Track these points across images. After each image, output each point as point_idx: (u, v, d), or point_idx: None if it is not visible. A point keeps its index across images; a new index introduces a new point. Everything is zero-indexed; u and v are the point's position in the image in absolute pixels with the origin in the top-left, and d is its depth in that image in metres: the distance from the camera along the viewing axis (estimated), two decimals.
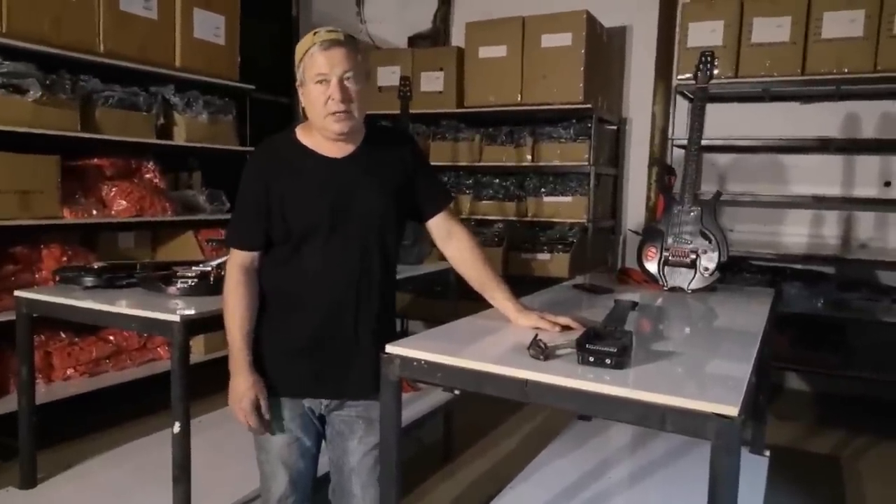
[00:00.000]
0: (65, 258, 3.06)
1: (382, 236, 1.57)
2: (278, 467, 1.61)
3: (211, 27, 3.73)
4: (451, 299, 2.96)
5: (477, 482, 2.78)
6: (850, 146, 3.80)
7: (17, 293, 2.15)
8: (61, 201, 2.99)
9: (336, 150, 1.55)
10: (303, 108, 1.54)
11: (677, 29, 3.95)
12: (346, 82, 1.46)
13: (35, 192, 2.86)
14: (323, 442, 1.67)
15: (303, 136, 1.57)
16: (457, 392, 2.84)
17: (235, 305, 1.52)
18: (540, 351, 1.30)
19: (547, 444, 2.51)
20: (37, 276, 3.00)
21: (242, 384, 1.52)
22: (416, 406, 2.72)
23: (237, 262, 1.54)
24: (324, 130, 1.51)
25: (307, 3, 5.12)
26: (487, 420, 3.39)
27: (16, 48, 2.83)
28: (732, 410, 1.04)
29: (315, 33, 1.48)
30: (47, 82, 2.93)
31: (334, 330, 1.54)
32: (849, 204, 3.85)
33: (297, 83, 1.52)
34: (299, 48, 1.49)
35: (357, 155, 1.56)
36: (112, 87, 3.28)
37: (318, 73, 1.45)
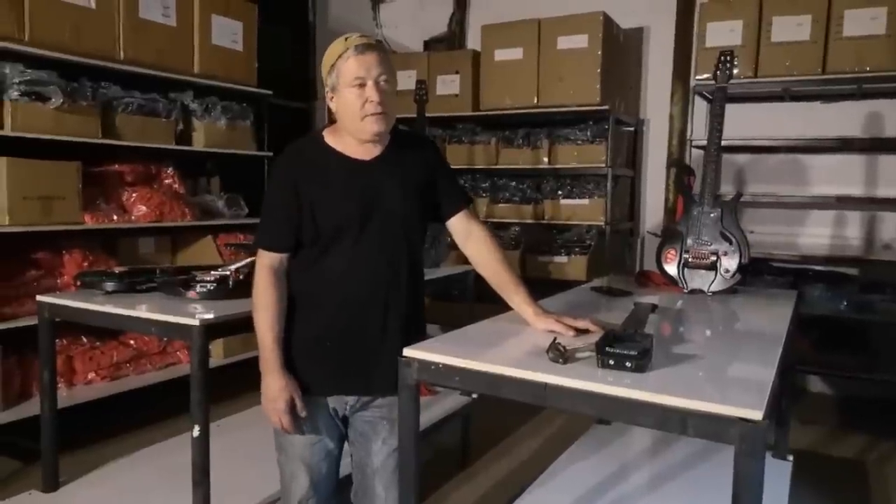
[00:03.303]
0: (86, 263, 3.09)
1: (409, 236, 1.59)
2: (299, 469, 1.61)
3: (229, 33, 3.76)
4: (468, 302, 2.95)
5: (495, 486, 2.76)
6: (872, 145, 3.74)
7: (39, 298, 2.18)
8: (82, 207, 3.03)
9: (364, 152, 1.57)
10: (328, 112, 1.55)
11: (695, 29, 3.92)
12: (382, 84, 1.49)
13: (57, 199, 2.90)
14: (345, 443, 1.68)
15: (330, 139, 1.58)
16: (474, 395, 2.83)
17: (266, 307, 1.53)
18: (559, 354, 1.29)
19: (565, 449, 2.50)
20: (59, 281, 3.04)
21: (276, 385, 1.53)
22: (433, 410, 2.72)
23: (266, 264, 1.55)
24: (359, 133, 1.53)
25: (323, 9, 5.15)
26: (505, 424, 3.37)
27: (38, 56, 2.87)
28: (756, 414, 1.02)
29: (346, 38, 1.50)
30: (68, 90, 2.97)
31: (362, 330, 1.55)
32: (872, 204, 3.79)
33: (328, 88, 1.53)
34: (331, 54, 1.51)
35: (384, 157, 1.58)
36: (132, 93, 3.31)
37: (356, 77, 1.47)
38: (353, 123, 1.51)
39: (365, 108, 1.48)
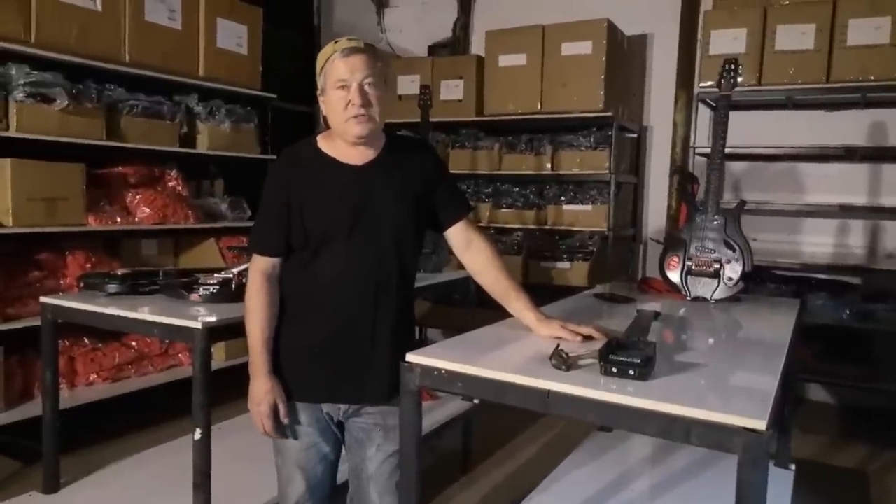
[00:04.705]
0: (89, 265, 3.10)
1: (400, 243, 1.58)
2: (295, 472, 1.62)
3: (234, 37, 3.77)
4: (469, 308, 2.95)
5: (496, 491, 2.76)
6: (876, 154, 3.73)
7: (42, 299, 2.19)
8: (86, 209, 3.04)
9: (357, 157, 1.56)
10: (324, 117, 1.56)
11: (699, 37, 3.92)
12: (365, 87, 1.48)
13: (61, 200, 2.90)
14: (343, 449, 1.68)
15: (324, 144, 1.59)
16: (476, 401, 2.83)
17: (256, 310, 1.54)
18: (562, 361, 1.29)
19: (567, 454, 2.49)
20: (62, 282, 3.05)
21: (261, 388, 1.54)
22: (434, 415, 2.71)
23: (259, 268, 1.56)
24: (344, 135, 1.53)
25: (328, 13, 5.16)
26: (507, 429, 3.36)
27: (44, 58, 2.88)
28: (760, 424, 1.02)
29: (336, 42, 1.52)
30: (74, 91, 2.98)
31: (351, 335, 1.55)
32: (875, 213, 3.79)
33: (319, 91, 1.55)
34: (321, 57, 1.53)
35: (377, 162, 1.58)
36: (137, 96, 3.32)
37: (339, 79, 1.48)
38: (339, 125, 1.52)
39: (347, 111, 1.48)
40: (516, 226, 4.35)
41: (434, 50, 5.09)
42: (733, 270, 2.19)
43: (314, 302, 1.55)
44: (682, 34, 4.15)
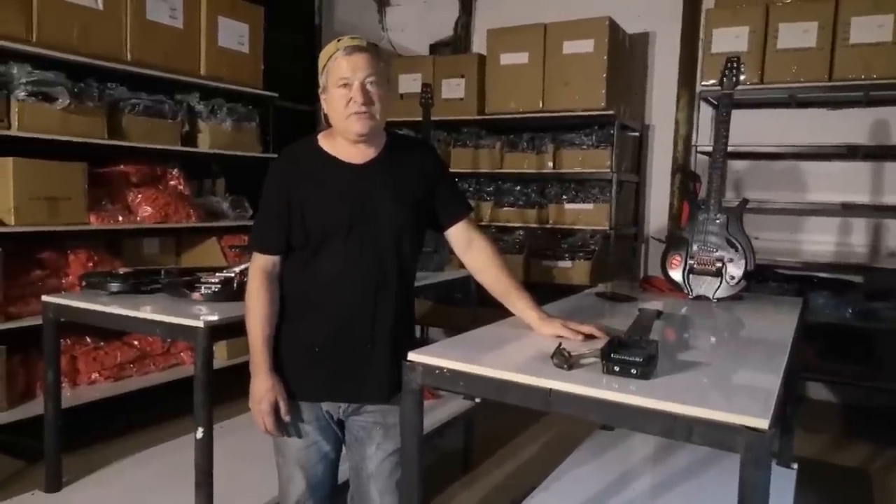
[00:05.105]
0: (91, 264, 3.10)
1: (399, 243, 1.58)
2: (295, 471, 1.62)
3: (235, 36, 3.77)
4: (470, 307, 2.95)
5: (497, 491, 2.75)
6: (878, 153, 3.73)
7: (44, 298, 2.19)
8: (88, 208, 3.04)
9: (357, 155, 1.56)
10: (325, 115, 1.56)
11: (701, 35, 3.92)
12: (367, 86, 1.49)
13: (62, 199, 2.91)
14: (343, 448, 1.68)
15: (324, 142, 1.59)
16: (477, 400, 2.83)
17: (257, 308, 1.54)
18: (564, 360, 1.29)
19: (568, 453, 2.49)
20: (64, 281, 3.05)
21: (262, 386, 1.54)
22: (436, 414, 2.71)
23: (259, 266, 1.56)
24: (345, 133, 1.53)
25: (330, 12, 5.16)
26: (508, 428, 3.36)
27: (45, 57, 2.88)
28: (763, 423, 1.02)
29: (338, 40, 1.52)
30: (75, 90, 2.98)
31: (351, 334, 1.55)
32: (877, 212, 3.78)
33: (320, 89, 1.55)
34: (323, 55, 1.53)
35: (378, 161, 1.58)
36: (138, 94, 3.33)
37: (341, 77, 1.48)
38: (340, 123, 1.52)
39: (348, 108, 1.49)
40: (518, 224, 4.35)
41: (435, 48, 5.09)
42: (735, 269, 2.19)
43: (314, 301, 1.56)
44: (684, 32, 4.14)
